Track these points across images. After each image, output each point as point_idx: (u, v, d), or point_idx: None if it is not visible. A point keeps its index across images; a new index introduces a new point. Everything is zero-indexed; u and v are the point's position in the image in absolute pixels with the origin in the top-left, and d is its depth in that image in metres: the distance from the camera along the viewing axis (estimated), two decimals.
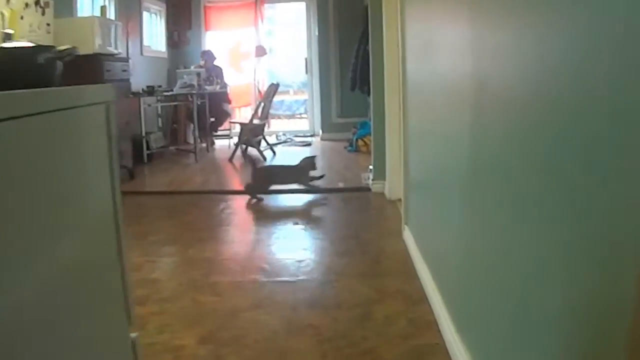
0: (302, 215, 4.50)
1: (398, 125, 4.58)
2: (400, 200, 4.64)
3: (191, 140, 8.16)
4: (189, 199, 5.07)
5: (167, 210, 4.78)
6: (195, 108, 7.46)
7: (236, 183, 6.16)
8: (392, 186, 4.71)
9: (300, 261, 3.31)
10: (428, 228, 2.91)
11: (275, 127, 10.84)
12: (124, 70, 6.11)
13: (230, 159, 7.17)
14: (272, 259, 3.43)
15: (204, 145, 8.06)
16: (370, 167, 5.75)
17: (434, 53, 2.59)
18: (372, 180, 5.06)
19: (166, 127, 8.31)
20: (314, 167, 4.95)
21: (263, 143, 7.69)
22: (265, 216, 4.58)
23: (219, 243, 3.79)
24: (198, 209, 4.72)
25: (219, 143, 8.74)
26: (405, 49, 3.41)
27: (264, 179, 4.96)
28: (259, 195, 4.88)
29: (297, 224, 4.11)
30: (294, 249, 3.57)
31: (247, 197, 5.11)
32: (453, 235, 2.24)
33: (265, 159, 7.14)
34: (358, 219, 4.29)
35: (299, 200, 4.96)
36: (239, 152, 7.36)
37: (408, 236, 3.46)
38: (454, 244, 2.24)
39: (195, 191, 5.35)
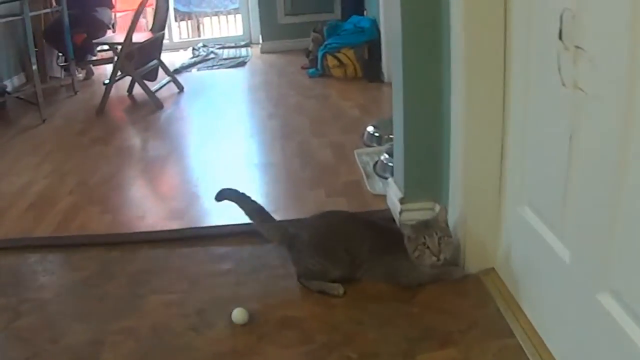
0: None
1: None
2: (498, 278, 1.64)
3: (58, 73, 5.30)
4: None
5: None
6: (30, 23, 4.16)
7: (91, 195, 2.82)
8: (475, 229, 1.68)
9: None
10: None
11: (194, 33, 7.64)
12: None
13: (100, 111, 4.02)
14: None
15: (74, 79, 4.84)
16: (371, 129, 2.75)
17: None
18: (402, 202, 1.97)
19: (24, 58, 4.97)
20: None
21: (161, 72, 4.52)
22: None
23: None
24: None
25: (105, 71, 5.47)
26: None
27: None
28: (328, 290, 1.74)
29: None
30: None
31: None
32: None
33: (161, 106, 4.01)
34: None
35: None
36: (118, 92, 4.24)
37: None
38: None
39: None
